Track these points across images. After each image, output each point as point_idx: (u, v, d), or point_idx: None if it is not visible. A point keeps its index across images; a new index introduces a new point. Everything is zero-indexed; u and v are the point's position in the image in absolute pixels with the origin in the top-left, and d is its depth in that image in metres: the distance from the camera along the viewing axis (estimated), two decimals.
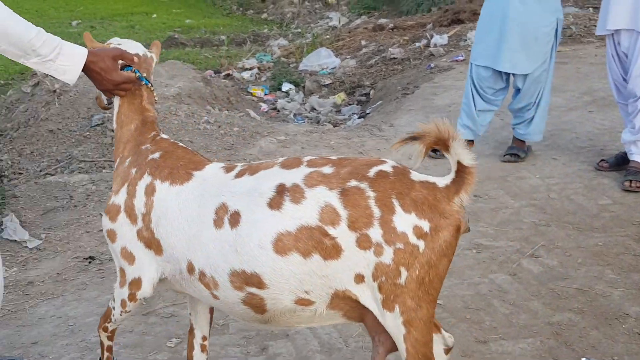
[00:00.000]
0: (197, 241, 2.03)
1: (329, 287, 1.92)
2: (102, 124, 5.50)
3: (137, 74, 2.31)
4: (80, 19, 13.59)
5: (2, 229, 4.02)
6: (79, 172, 4.93)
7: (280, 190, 1.94)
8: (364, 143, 5.49)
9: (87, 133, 5.46)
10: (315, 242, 1.87)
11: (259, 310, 2.01)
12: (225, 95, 7.00)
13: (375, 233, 1.85)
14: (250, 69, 9.77)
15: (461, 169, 1.92)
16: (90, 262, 3.74)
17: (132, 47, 2.39)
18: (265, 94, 8.68)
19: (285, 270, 1.92)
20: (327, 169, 1.95)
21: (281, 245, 1.90)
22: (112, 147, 5.31)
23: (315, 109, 8.11)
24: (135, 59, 2.34)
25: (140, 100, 2.34)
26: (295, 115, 7.87)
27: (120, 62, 2.28)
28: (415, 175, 1.94)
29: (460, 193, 1.92)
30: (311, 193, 1.90)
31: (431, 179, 1.95)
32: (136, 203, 2.17)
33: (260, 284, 1.95)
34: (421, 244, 1.86)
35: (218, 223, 1.99)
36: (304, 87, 8.87)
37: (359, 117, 7.43)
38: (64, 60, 2.17)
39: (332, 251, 1.87)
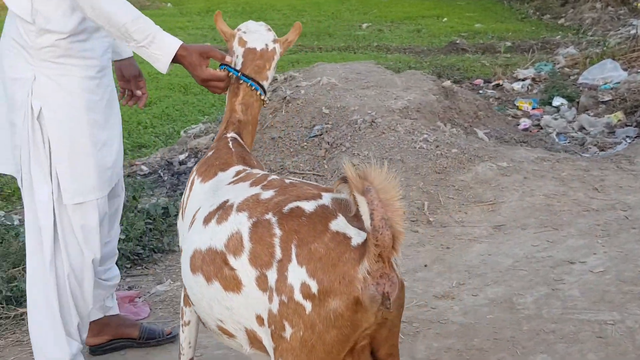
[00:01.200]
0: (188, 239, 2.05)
1: (238, 323, 1.80)
2: (320, 135, 5.33)
3: (231, 72, 2.36)
4: (370, 22, 13.77)
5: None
6: None
7: (220, 207, 1.89)
8: (603, 178, 4.63)
9: (305, 143, 5.33)
10: (216, 268, 1.80)
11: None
12: (472, 110, 6.44)
13: (272, 276, 1.67)
14: (524, 79, 9.02)
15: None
16: None
17: (254, 38, 2.40)
18: (533, 108, 7.93)
19: (195, 289, 1.88)
20: (268, 194, 1.83)
21: (193, 262, 1.88)
22: (325, 160, 5.12)
23: (584, 129, 7.18)
24: (228, 58, 2.38)
25: (235, 99, 2.38)
26: (558, 134, 7.04)
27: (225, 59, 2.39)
28: (337, 224, 1.66)
29: (364, 258, 1.57)
30: (233, 217, 1.81)
31: (351, 232, 1.64)
32: (184, 198, 2.25)
33: (188, 299, 2.03)
34: (307, 305, 1.62)
35: (191, 225, 2.04)
36: (577, 102, 7.92)
37: (633, 140, 6.42)
38: (155, 49, 2.25)
39: (231, 283, 1.76)
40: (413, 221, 4.25)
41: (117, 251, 2.99)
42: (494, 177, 4.64)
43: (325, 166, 5.03)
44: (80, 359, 2.60)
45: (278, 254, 1.68)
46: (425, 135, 5.13)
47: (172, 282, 3.73)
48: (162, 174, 5.38)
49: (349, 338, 1.64)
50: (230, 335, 1.89)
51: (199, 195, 2.12)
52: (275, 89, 6.18)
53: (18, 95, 2.39)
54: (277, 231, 1.70)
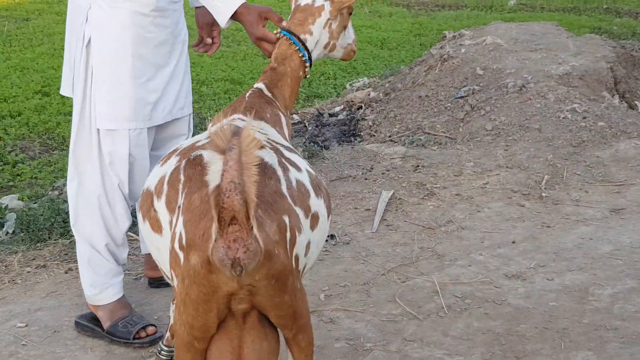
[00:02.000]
0: None
1: (165, 265, 1.77)
2: (465, 96, 5.13)
3: (281, 35, 2.37)
4: None
5: None
6: (412, 144, 4.72)
7: (173, 151, 1.91)
8: None
9: (449, 104, 5.16)
10: (147, 208, 1.84)
11: None
12: None
13: (174, 222, 1.67)
14: None
15: None
16: (327, 240, 3.60)
17: None
18: None
19: (143, 229, 1.92)
20: (202, 139, 1.85)
21: (141, 200, 1.93)
22: (462, 123, 4.94)
23: None
24: (284, 23, 2.39)
25: (273, 51, 2.37)
26: None
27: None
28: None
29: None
30: (170, 161, 1.83)
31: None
32: None
33: None
34: (181, 256, 1.59)
35: None
36: None
37: None
38: (219, 0, 2.37)
39: (155, 224, 1.80)
40: (524, 194, 3.98)
41: None
42: (635, 157, 4.17)
43: (460, 129, 4.85)
44: (116, 279, 2.81)
45: (179, 200, 1.66)
46: (576, 105, 4.71)
47: None
48: (307, 124, 5.52)
49: (210, 298, 1.57)
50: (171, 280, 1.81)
51: None
52: (441, 47, 6.03)
53: (75, 21, 2.63)
54: (182, 177, 1.70)
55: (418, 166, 4.33)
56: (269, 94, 2.27)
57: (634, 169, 4.10)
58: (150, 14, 2.60)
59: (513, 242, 3.54)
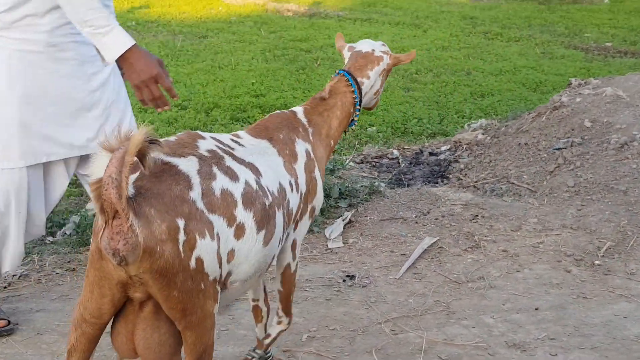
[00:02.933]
0: None
1: None
2: (564, 148, 4.77)
3: (340, 74, 2.65)
4: None
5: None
6: (490, 193, 4.49)
7: None
8: None
9: (545, 155, 4.83)
10: None
11: None
12: None
13: None
14: None
15: None
16: (344, 280, 3.55)
17: (364, 45, 2.73)
18: None
19: None
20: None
21: None
22: (549, 176, 4.61)
23: None
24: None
25: (328, 84, 2.64)
26: None
27: None
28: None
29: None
30: None
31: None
32: None
33: None
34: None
35: None
36: None
37: None
38: (110, 39, 2.43)
39: None
40: (576, 259, 3.63)
41: None
42: None
43: (545, 182, 4.52)
44: None
45: None
46: None
47: None
48: (400, 160, 5.43)
49: (103, 283, 1.78)
50: None
51: None
52: (561, 94, 5.67)
53: None
54: None
55: (477, 215, 4.11)
56: (304, 119, 2.47)
57: None
58: (45, 51, 2.65)
59: (536, 309, 3.26)
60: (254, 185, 2.00)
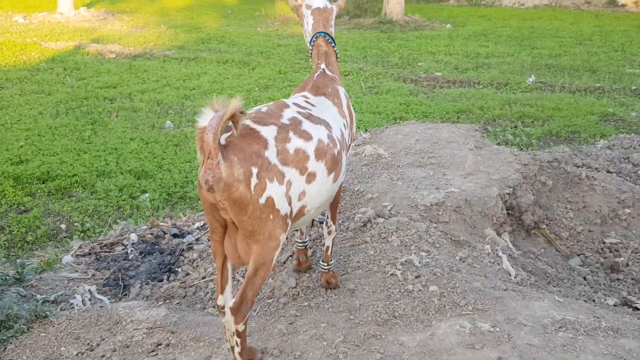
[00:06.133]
0: None
1: None
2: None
3: (318, 35, 3.41)
4: None
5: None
6: (188, 305, 3.58)
7: None
8: None
9: None
10: None
11: None
12: (607, 207, 4.39)
13: None
14: None
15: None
16: None
17: (316, 1, 3.46)
18: None
19: None
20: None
21: None
22: None
23: None
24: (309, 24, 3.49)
25: (317, 42, 3.42)
26: None
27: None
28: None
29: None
30: None
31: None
32: None
33: None
34: None
35: None
36: None
37: None
38: None
39: None
40: None
41: None
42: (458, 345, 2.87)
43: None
44: None
45: None
46: (414, 257, 3.45)
47: None
48: (130, 250, 4.47)
49: (205, 205, 2.55)
50: None
51: None
52: None
53: None
54: None
55: (160, 345, 3.18)
56: (329, 72, 3.29)
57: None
58: None
59: None
60: (326, 140, 2.76)
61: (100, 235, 5.15)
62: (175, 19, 17.11)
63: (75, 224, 5.43)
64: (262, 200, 2.45)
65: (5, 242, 5.09)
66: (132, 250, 4.43)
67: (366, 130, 5.31)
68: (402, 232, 3.65)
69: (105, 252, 4.51)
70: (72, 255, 4.41)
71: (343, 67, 11.14)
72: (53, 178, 6.28)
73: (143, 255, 4.39)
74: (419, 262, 3.41)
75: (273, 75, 10.66)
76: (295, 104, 2.83)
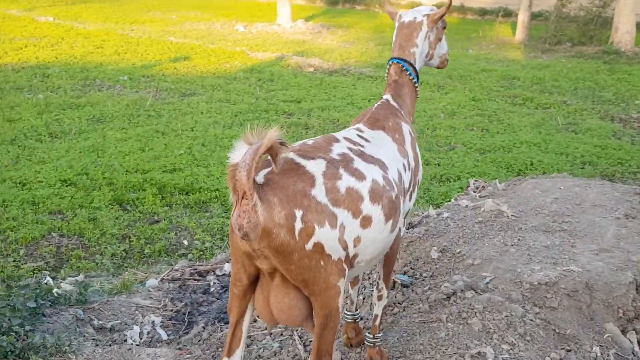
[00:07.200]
0: None
1: None
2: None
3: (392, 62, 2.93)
4: None
5: None
6: None
7: None
8: None
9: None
10: None
11: None
12: None
13: None
14: None
15: None
16: None
17: (409, 13, 2.98)
18: None
19: None
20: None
21: None
22: None
23: None
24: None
25: (390, 70, 2.95)
26: None
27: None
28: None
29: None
30: None
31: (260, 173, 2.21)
32: None
33: None
34: None
35: None
36: None
37: None
38: None
39: None
40: None
41: None
42: None
43: None
44: None
45: None
46: (489, 351, 2.74)
47: None
48: (213, 283, 4.13)
49: (235, 252, 2.24)
50: None
51: None
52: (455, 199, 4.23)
53: None
54: None
55: None
56: (395, 104, 2.84)
57: None
58: None
59: None
60: (381, 182, 2.38)
61: (211, 257, 4.91)
62: (388, 35, 16.85)
63: (196, 241, 5.25)
64: (309, 245, 2.14)
65: (123, 251, 5.01)
66: (215, 283, 4.09)
67: (500, 181, 4.53)
68: (488, 314, 2.94)
69: (195, 279, 4.22)
70: (158, 280, 4.17)
71: (545, 98, 10.15)
72: (195, 190, 6.17)
73: (225, 290, 4.03)
74: (493, 358, 2.69)
75: (465, 102, 9.94)
76: (346, 139, 2.47)
